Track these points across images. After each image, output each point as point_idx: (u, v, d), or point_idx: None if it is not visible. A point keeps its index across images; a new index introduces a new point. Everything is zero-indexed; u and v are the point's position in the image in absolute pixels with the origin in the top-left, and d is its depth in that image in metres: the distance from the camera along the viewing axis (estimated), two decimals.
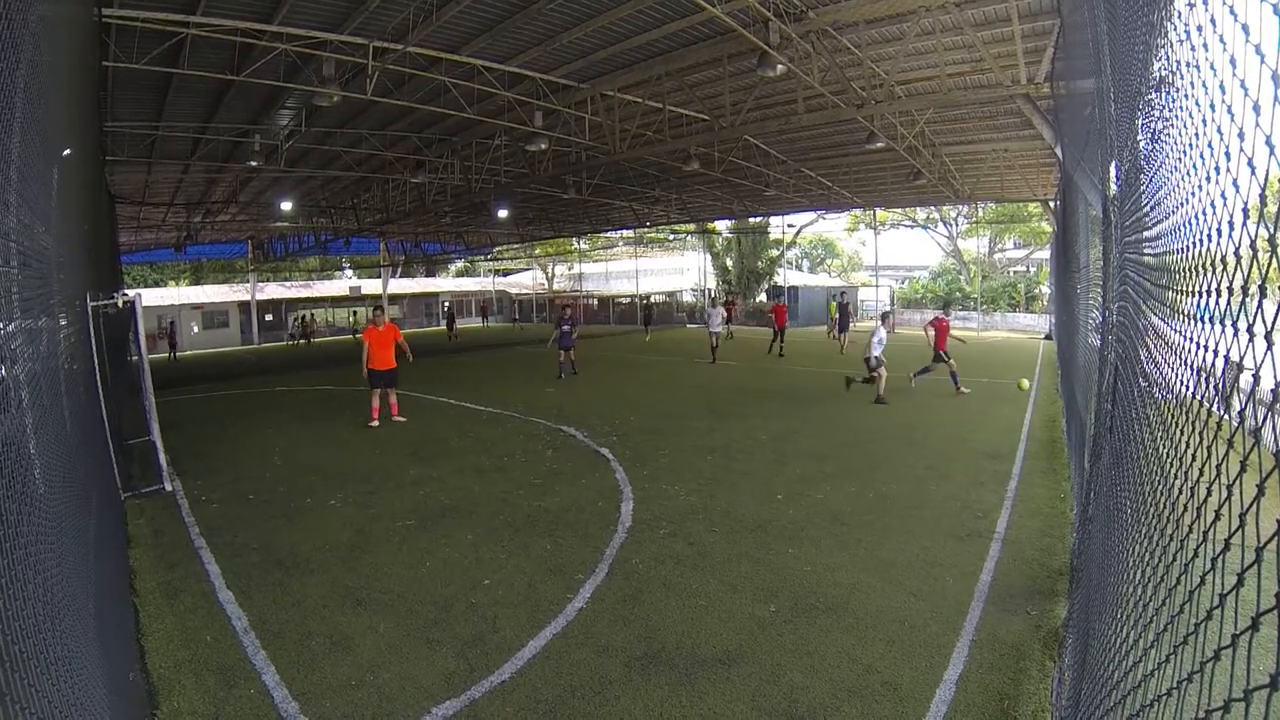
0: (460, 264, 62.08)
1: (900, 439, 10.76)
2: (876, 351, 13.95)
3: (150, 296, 31.97)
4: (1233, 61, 1.13)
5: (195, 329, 39.36)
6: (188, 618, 5.28)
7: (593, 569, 5.94)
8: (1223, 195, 1.22)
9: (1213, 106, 1.29)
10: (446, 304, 42.88)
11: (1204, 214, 1.36)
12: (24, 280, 2.52)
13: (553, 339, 19.02)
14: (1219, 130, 1.25)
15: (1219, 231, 1.24)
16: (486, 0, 10.95)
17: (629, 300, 48.03)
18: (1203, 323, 1.40)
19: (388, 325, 12.81)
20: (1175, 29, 1.67)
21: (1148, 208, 2.26)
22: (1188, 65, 1.52)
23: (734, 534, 6.68)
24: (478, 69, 13.38)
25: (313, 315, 43.95)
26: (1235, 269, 1.13)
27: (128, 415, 8.91)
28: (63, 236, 4.64)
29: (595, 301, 51.78)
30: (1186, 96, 1.56)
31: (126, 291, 10.19)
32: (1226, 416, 1.34)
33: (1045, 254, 40.55)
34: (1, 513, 1.62)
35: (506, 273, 62.58)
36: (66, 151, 5.24)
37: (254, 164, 18.87)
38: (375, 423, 12.55)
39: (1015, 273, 47.74)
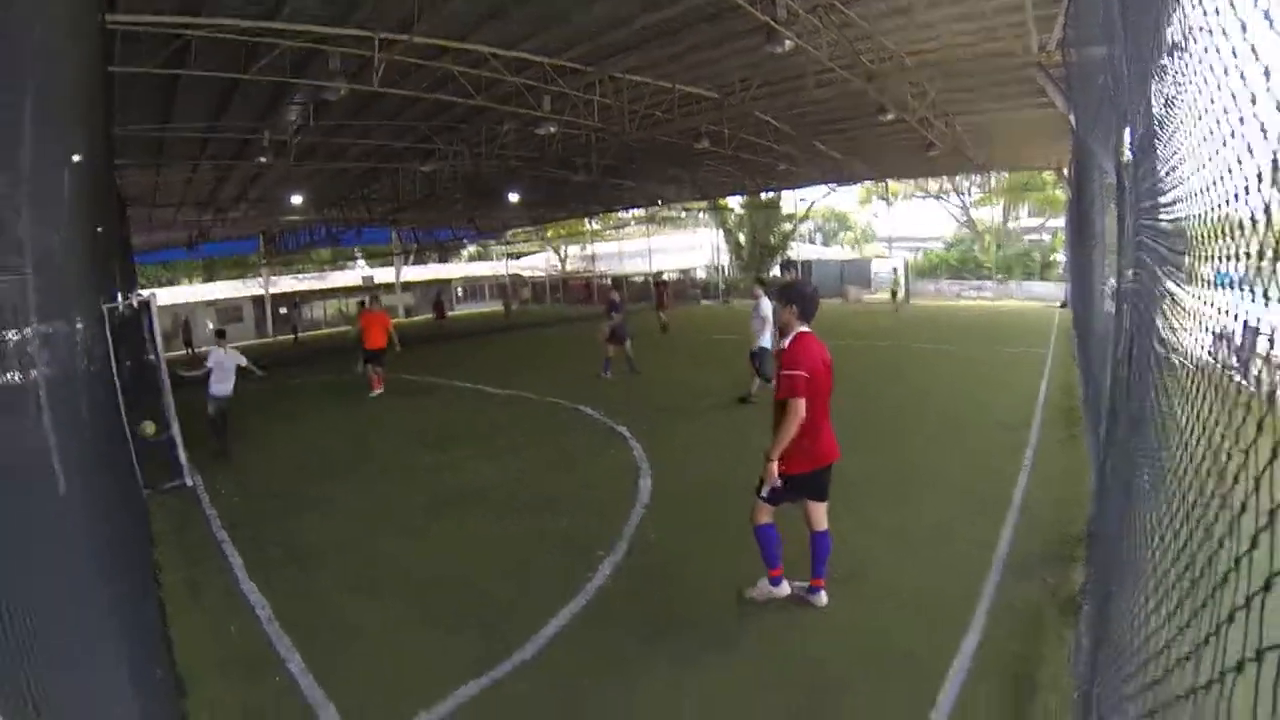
0: (473, 249, 61.97)
1: (916, 407, 10.78)
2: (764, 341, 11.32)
3: (165, 295, 32.07)
4: (1244, 26, 1.12)
5: (210, 325, 39.55)
6: (213, 610, 5.38)
7: (612, 546, 5.99)
8: (1238, 160, 1.21)
9: (1226, 71, 1.28)
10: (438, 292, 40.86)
11: (1219, 179, 1.36)
12: (38, 284, 2.55)
13: (605, 332, 14.91)
14: (1233, 95, 1.24)
15: (1235, 196, 1.24)
16: None
17: (643, 279, 47.86)
18: (1220, 288, 1.40)
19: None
20: None
21: (1162, 173, 2.24)
22: (1201, 29, 1.51)
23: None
24: (484, 56, 13.32)
25: (439, 293, 41.52)
26: (1253, 233, 1.13)
27: (146, 413, 8.99)
28: (75, 240, 4.69)
29: (609, 280, 51.78)
30: (1200, 61, 1.55)
31: (140, 291, 10.26)
32: (1244, 381, 1.34)
33: (1060, 222, 40.12)
34: (22, 512, 1.65)
35: (519, 255, 62.44)
36: (76, 157, 5.27)
37: (263, 160, 18.89)
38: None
39: (1030, 241, 47.21)
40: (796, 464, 4.64)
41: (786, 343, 4.76)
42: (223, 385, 10.28)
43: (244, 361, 10.40)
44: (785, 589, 4.91)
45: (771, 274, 42.70)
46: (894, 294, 31.69)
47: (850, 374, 13.32)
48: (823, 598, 4.82)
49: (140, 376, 9.29)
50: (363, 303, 16.72)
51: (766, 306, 11.23)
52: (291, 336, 37.02)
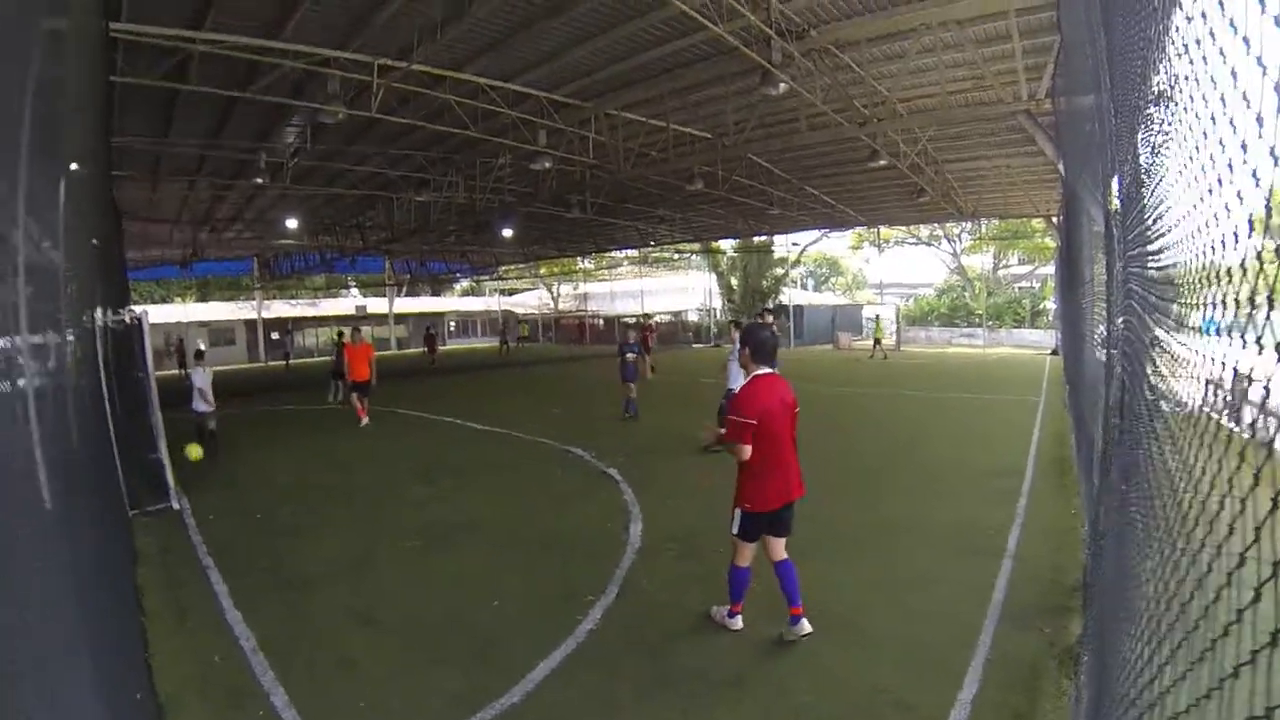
0: (466, 283, 62.15)
1: (908, 455, 10.74)
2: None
3: (157, 313, 31.89)
4: (1234, 74, 1.13)
5: (201, 346, 39.25)
6: (196, 636, 5.28)
7: (602, 590, 5.90)
8: (1226, 208, 1.22)
9: (1214, 120, 1.29)
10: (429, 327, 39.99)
11: (1207, 226, 1.36)
12: (31, 295, 2.53)
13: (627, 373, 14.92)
14: (1221, 143, 1.24)
15: (1223, 244, 1.24)
16: (490, 19, 11.01)
17: (634, 319, 48.11)
18: (1209, 335, 1.40)
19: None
20: (1173, 43, 1.68)
21: (1150, 221, 2.26)
22: (1187, 79, 1.52)
23: None
24: (481, 87, 13.45)
25: (430, 326, 40.02)
26: (1241, 280, 1.13)
27: (135, 432, 8.92)
28: (69, 251, 4.66)
29: (601, 321, 51.98)
30: (1186, 110, 1.56)
31: (134, 308, 10.28)
32: (1237, 429, 1.33)
33: (1050, 269, 40.53)
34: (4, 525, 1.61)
35: (512, 292, 62.63)
36: (74, 166, 5.27)
37: (259, 181, 18.97)
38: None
39: (1020, 288, 47.66)
40: (759, 503, 4.82)
41: (739, 386, 4.97)
42: (205, 402, 11.22)
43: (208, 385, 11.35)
44: (738, 624, 5.05)
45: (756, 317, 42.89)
46: (876, 341, 31.70)
47: (842, 422, 13.40)
48: (805, 625, 4.86)
49: (130, 394, 9.24)
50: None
51: None
52: (283, 362, 36.90)
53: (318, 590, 6.10)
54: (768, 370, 4.98)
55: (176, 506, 8.65)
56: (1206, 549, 1.30)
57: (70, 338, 4.63)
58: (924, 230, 47.30)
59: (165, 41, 10.51)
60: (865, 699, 4.15)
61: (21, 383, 2.29)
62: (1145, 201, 2.38)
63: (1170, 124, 1.91)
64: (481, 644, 5.02)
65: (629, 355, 14.97)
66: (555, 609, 5.55)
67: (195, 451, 9.36)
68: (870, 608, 5.42)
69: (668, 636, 5.07)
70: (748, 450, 4.72)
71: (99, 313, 7.49)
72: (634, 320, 39.95)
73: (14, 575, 1.80)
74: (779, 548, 4.97)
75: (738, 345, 11.10)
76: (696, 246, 44.05)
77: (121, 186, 19.17)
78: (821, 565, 6.24)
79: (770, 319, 21.17)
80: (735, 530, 4.92)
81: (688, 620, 5.31)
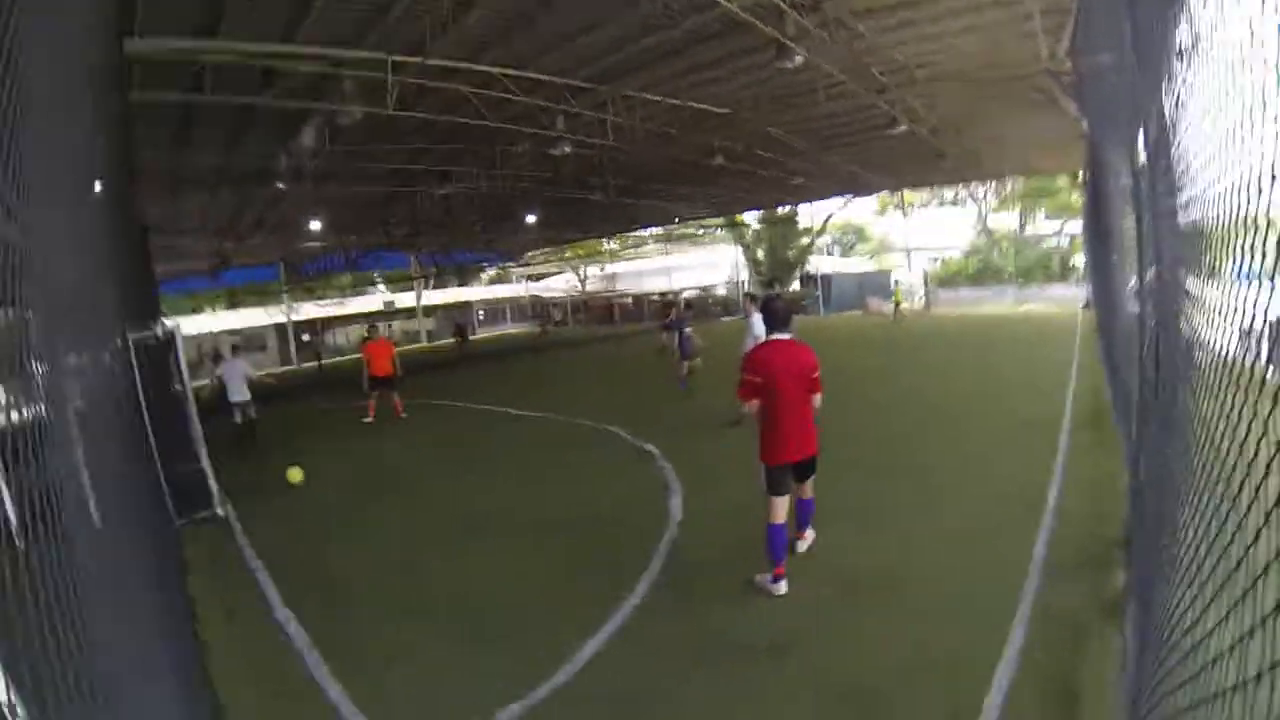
0: (493, 271, 62.18)
1: (938, 413, 10.74)
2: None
3: (189, 325, 32.16)
4: (1251, 26, 1.15)
5: (236, 344, 39.66)
6: (249, 639, 5.41)
7: (645, 565, 5.96)
8: (1262, 156, 1.22)
9: (1235, 69, 1.30)
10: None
11: (1237, 176, 1.37)
12: (65, 316, 2.55)
13: (672, 348, 15.55)
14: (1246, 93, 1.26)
15: (1253, 192, 1.25)
16: (499, 6, 10.99)
17: (659, 297, 48.05)
18: (1243, 283, 1.41)
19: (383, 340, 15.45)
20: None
21: (1177, 173, 2.26)
22: (1211, 29, 1.53)
23: None
24: (496, 76, 13.45)
25: (458, 316, 39.12)
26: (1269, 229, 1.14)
27: (176, 444, 9.09)
28: (100, 270, 4.74)
29: (630, 300, 52.14)
30: (1211, 61, 1.57)
31: (165, 320, 10.42)
32: (1271, 374, 1.35)
33: (1077, 225, 39.83)
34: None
35: (539, 277, 62.61)
36: (98, 186, 5.35)
37: (280, 185, 19.11)
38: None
39: (1049, 245, 46.91)
40: (774, 457, 5.23)
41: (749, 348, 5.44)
42: (238, 392, 11.45)
43: (254, 373, 11.66)
44: (782, 589, 5.17)
45: (790, 288, 42.78)
46: (896, 305, 32.50)
47: (875, 385, 13.38)
48: (800, 546, 5.76)
49: (169, 407, 9.39)
50: (366, 334, 16.81)
51: (758, 320, 11.35)
52: (315, 363, 37.27)
53: (367, 586, 6.24)
54: (781, 336, 5.29)
55: (221, 513, 8.78)
56: (1245, 492, 1.33)
57: (107, 356, 4.72)
58: (949, 192, 46.71)
59: (179, 58, 10.58)
60: (912, 656, 4.20)
61: (64, 404, 2.34)
62: (1172, 154, 2.38)
63: (1195, 76, 1.91)
64: (531, 626, 5.12)
65: (687, 330, 15.35)
66: (603, 586, 5.60)
67: (296, 475, 9.41)
68: (912, 567, 5.45)
69: (712, 607, 5.13)
70: (753, 405, 5.17)
71: (132, 328, 7.61)
72: (660, 298, 39.98)
73: (80, 596, 1.86)
74: (804, 488, 5.60)
75: (755, 316, 11.39)
76: (720, 221, 43.89)
77: (144, 201, 19.45)
78: (862, 526, 6.29)
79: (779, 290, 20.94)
80: (763, 485, 5.26)
81: (730, 589, 5.36)
